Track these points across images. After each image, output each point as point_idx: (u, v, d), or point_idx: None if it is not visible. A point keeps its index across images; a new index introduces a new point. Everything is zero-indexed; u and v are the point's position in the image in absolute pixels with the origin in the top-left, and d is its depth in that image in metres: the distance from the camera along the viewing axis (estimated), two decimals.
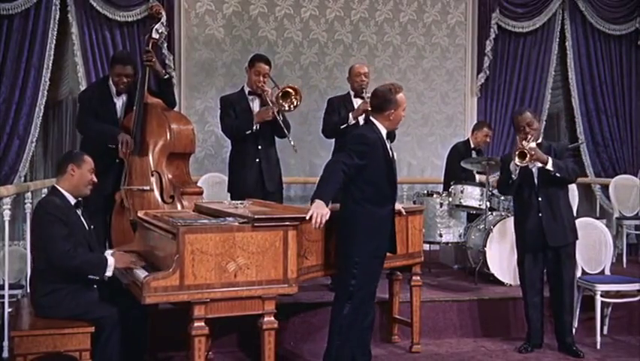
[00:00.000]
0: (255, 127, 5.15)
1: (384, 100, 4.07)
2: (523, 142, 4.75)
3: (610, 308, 5.39)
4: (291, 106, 5.04)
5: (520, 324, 5.19)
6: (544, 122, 8.18)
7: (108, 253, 3.94)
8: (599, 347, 5.05)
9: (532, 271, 4.91)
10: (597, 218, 6.53)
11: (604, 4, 8.17)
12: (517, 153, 4.71)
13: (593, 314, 5.11)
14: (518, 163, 4.71)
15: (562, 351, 4.91)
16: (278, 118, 5.08)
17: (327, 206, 3.77)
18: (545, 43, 8.17)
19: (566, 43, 8.22)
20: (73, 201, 3.89)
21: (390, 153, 4.10)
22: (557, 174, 4.76)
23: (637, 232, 7.65)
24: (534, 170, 4.85)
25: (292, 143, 5.08)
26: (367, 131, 4.08)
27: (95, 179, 3.96)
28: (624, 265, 6.93)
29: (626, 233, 7.33)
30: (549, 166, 4.73)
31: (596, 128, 8.29)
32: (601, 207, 8.14)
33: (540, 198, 4.84)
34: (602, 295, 5.10)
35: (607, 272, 5.36)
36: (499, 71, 8.08)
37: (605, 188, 7.94)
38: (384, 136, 4.07)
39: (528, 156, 4.67)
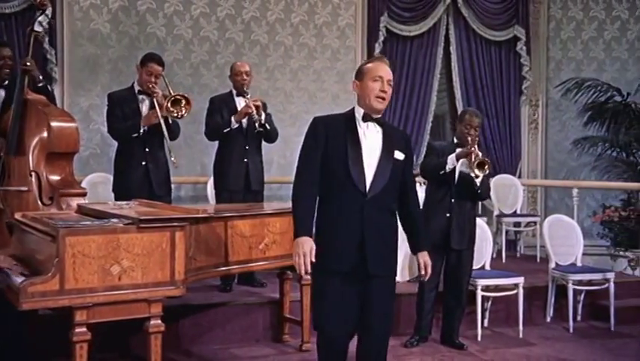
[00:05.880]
0: (142, 130, 5.04)
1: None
2: (474, 148, 4.73)
3: (490, 302, 5.63)
4: (180, 114, 4.95)
5: (406, 319, 5.30)
6: (430, 124, 8.45)
7: None
8: (479, 338, 5.28)
9: (433, 268, 4.96)
10: (478, 216, 6.81)
11: (485, 11, 8.52)
12: (476, 162, 4.68)
13: (474, 308, 5.32)
14: (478, 174, 4.69)
15: (446, 344, 5.08)
16: (163, 125, 4.97)
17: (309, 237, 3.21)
18: (431, 47, 8.42)
19: (450, 48, 8.51)
20: None
21: (365, 137, 3.45)
22: (479, 191, 4.84)
23: (515, 229, 8.04)
24: (456, 171, 4.88)
25: (173, 159, 5.02)
26: (326, 116, 3.45)
27: None
28: (503, 261, 7.26)
29: (505, 230, 7.66)
30: (478, 180, 4.76)
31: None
32: (482, 205, 8.50)
33: (453, 200, 4.91)
34: (482, 290, 5.33)
35: (487, 267, 5.61)
36: None
37: None
38: (361, 117, 3.44)
39: (486, 165, 4.70)
